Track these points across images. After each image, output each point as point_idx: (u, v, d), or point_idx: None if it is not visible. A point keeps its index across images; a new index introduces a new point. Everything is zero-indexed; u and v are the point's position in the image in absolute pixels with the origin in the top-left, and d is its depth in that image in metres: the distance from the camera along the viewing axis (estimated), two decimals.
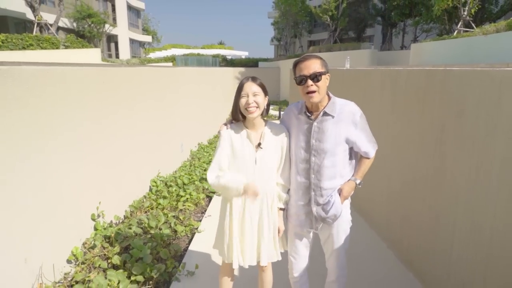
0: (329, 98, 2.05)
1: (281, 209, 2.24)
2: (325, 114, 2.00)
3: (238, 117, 2.11)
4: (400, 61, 18.06)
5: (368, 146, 2.08)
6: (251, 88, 2.03)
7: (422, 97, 2.92)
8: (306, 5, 27.73)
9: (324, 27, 27.44)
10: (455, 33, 13.16)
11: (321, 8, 23.97)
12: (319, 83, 1.92)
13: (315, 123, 2.02)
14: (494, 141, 2.10)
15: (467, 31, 12.74)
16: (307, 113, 2.05)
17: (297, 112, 2.13)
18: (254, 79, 2.08)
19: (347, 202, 2.19)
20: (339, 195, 2.09)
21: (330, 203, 2.07)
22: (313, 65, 1.93)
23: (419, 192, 2.97)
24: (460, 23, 13.30)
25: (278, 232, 2.22)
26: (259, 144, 2.11)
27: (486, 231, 2.17)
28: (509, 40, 9.20)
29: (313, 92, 1.92)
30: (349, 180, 2.11)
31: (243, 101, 2.04)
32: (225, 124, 2.20)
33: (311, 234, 2.25)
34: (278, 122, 2.33)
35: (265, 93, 2.10)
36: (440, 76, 2.67)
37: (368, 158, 2.12)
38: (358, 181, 2.11)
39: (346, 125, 2.00)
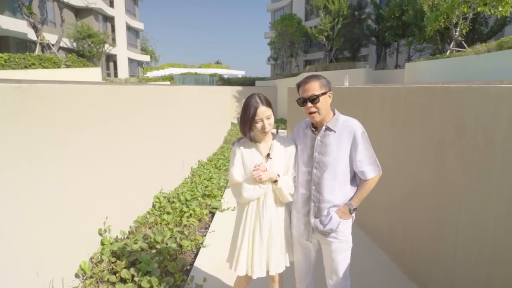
0: (334, 114, 2.16)
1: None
2: (327, 129, 2.11)
3: (249, 136, 2.19)
4: (394, 80, 18.43)
5: (366, 167, 2.08)
6: (265, 113, 2.12)
7: (422, 112, 3.05)
8: (302, 25, 28.37)
9: (320, 47, 28.01)
10: (447, 53, 13.52)
11: (317, 29, 24.52)
12: (318, 105, 2.05)
13: (318, 137, 2.14)
14: (492, 151, 2.22)
15: (459, 51, 13.11)
16: (312, 128, 2.18)
17: (304, 127, 2.28)
18: (262, 100, 2.13)
19: (348, 223, 2.19)
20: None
21: (328, 217, 2.13)
22: (311, 88, 2.06)
23: (421, 202, 3.06)
24: (452, 43, 13.69)
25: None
26: (268, 155, 2.22)
27: (488, 236, 2.27)
28: (500, 60, 9.51)
29: (314, 112, 2.07)
30: (344, 204, 2.14)
31: (258, 125, 2.13)
32: (234, 143, 2.30)
33: (313, 245, 2.31)
34: (280, 135, 2.45)
35: (272, 109, 2.20)
36: (439, 92, 2.81)
37: (366, 180, 2.11)
38: (352, 207, 2.13)
39: (347, 140, 2.08)
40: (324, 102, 2.07)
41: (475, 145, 2.37)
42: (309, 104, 2.05)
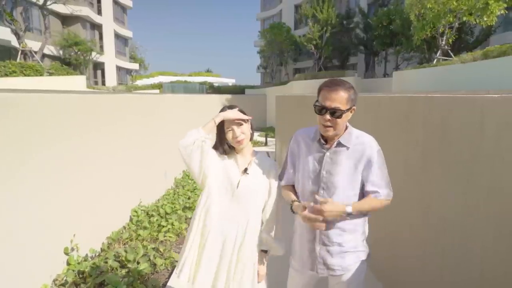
0: (346, 128, 1.86)
1: (263, 251, 2.08)
2: (339, 144, 1.82)
3: (225, 149, 2.01)
4: (383, 88, 18.47)
5: (379, 190, 1.80)
6: (234, 119, 1.96)
7: (406, 123, 2.90)
8: (291, 34, 28.42)
9: (309, 55, 28.05)
10: (434, 62, 13.57)
11: (306, 37, 24.57)
12: (338, 120, 1.73)
13: (327, 153, 1.83)
14: (479, 166, 2.06)
15: (446, 59, 13.16)
16: (322, 141, 1.86)
17: (309, 139, 1.93)
18: (232, 108, 2.01)
19: (363, 257, 1.92)
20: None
21: (339, 248, 1.84)
22: (338, 99, 1.71)
23: (406, 220, 2.89)
24: (439, 52, 13.75)
25: (258, 276, 2.02)
26: (246, 170, 2.01)
27: (475, 258, 2.09)
28: (486, 69, 9.53)
29: (329, 127, 1.75)
30: (343, 204, 1.75)
31: (229, 135, 1.97)
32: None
33: (315, 277, 2.01)
34: (264, 148, 2.25)
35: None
36: (422, 102, 2.66)
37: (375, 199, 1.80)
38: (349, 209, 1.73)
39: (361, 159, 1.80)
40: (345, 118, 1.78)
41: (461, 159, 2.21)
42: (327, 117, 1.72)
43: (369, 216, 1.94)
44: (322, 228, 1.74)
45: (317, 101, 1.80)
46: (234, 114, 1.97)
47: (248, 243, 1.98)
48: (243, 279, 1.94)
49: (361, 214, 1.84)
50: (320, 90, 1.80)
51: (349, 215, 1.77)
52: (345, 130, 1.85)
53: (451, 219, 2.31)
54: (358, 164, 1.80)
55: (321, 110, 1.75)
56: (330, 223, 1.80)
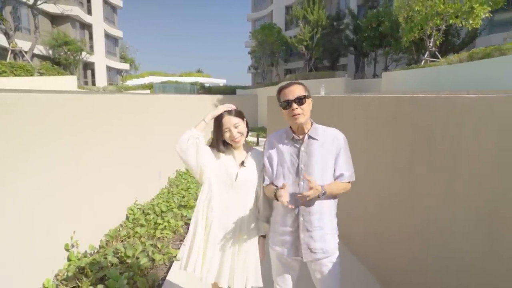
0: (311, 123, 2.11)
1: (262, 236, 2.26)
2: (310, 137, 2.06)
3: (220, 148, 2.17)
4: (372, 88, 18.78)
5: (345, 172, 2.05)
6: (231, 120, 2.11)
7: (394, 124, 3.06)
8: (282, 35, 28.62)
9: (300, 56, 28.27)
10: (422, 63, 13.89)
11: (296, 38, 24.81)
12: (303, 106, 2.00)
13: (302, 148, 2.05)
14: (459, 162, 2.23)
15: (433, 61, 13.48)
16: (296, 137, 2.07)
17: (283, 139, 2.13)
18: (230, 111, 2.15)
19: (337, 238, 2.14)
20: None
21: (320, 232, 2.03)
22: (296, 90, 2.02)
23: (394, 214, 3.06)
24: (426, 53, 14.08)
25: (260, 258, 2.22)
26: (243, 163, 2.16)
27: (457, 250, 2.26)
28: (471, 70, 9.83)
29: (298, 114, 2.00)
30: (320, 186, 1.93)
31: (227, 135, 2.13)
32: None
33: (298, 262, 2.17)
34: (256, 148, 2.39)
35: (243, 117, 2.19)
36: (408, 103, 2.83)
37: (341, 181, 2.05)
38: (323, 191, 1.94)
39: (331, 148, 2.05)
40: (308, 106, 2.04)
41: (443, 156, 2.38)
42: (295, 105, 1.99)
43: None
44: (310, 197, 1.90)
45: (280, 102, 2.07)
46: (219, 110, 2.16)
47: (248, 232, 2.16)
48: (246, 265, 2.13)
49: (331, 196, 2.06)
50: (279, 93, 2.10)
51: (323, 195, 1.96)
52: (311, 126, 2.10)
53: (433, 212, 2.48)
54: (330, 155, 2.05)
55: (287, 104, 2.02)
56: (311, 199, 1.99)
